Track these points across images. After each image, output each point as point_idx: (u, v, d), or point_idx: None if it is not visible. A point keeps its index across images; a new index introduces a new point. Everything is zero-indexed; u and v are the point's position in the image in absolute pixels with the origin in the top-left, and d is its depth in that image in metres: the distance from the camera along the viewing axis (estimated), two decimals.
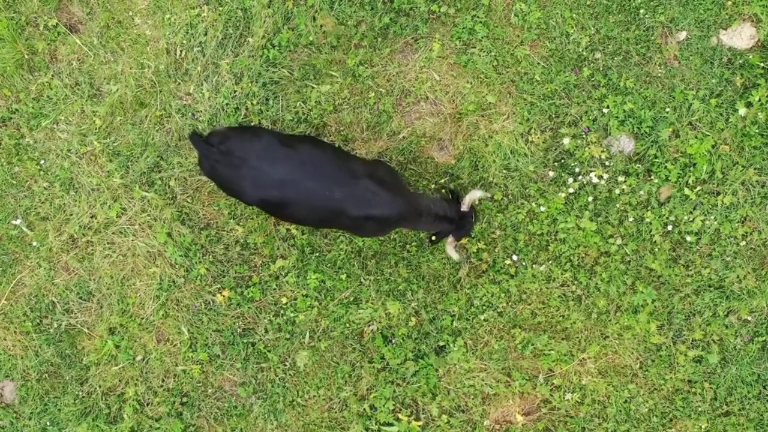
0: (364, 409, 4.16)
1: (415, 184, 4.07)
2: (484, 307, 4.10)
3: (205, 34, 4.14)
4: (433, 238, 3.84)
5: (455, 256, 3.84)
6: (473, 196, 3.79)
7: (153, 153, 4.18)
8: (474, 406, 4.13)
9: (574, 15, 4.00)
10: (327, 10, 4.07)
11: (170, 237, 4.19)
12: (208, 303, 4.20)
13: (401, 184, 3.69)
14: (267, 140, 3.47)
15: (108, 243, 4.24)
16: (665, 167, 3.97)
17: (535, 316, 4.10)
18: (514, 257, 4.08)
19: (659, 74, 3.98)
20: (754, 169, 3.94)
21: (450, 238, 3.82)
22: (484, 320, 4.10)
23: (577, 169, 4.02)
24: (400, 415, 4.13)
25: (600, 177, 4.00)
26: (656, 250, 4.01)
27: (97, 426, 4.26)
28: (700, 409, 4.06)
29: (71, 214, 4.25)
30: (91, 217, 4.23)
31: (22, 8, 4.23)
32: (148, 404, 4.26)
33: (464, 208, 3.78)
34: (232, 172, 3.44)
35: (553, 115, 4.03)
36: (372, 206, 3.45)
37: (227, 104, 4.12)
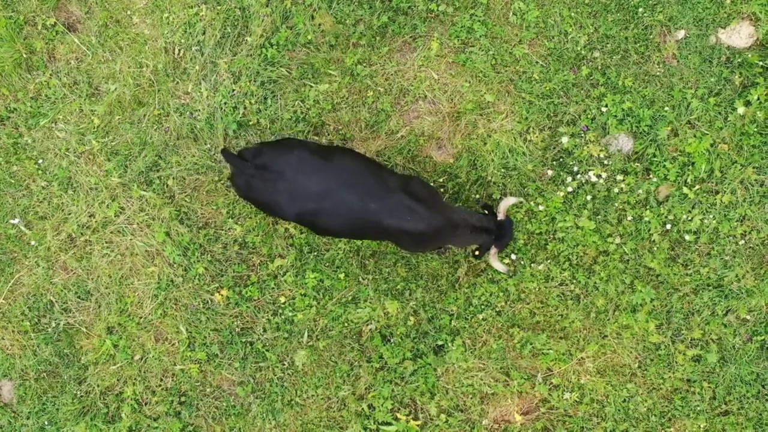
0: (363, 408, 4.15)
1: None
2: (482, 307, 4.09)
3: (204, 33, 4.14)
4: (476, 252, 3.74)
5: (502, 268, 3.75)
6: (507, 203, 3.72)
7: (151, 152, 4.18)
8: (472, 405, 4.13)
9: (572, 14, 4.00)
10: (325, 9, 4.07)
11: (168, 236, 4.19)
12: (207, 302, 4.20)
13: (436, 199, 3.63)
14: (301, 152, 3.45)
15: (106, 242, 4.24)
16: (664, 166, 3.97)
17: (534, 316, 4.09)
18: (513, 256, 4.08)
19: (658, 73, 3.98)
20: (753, 167, 3.93)
21: (493, 250, 3.71)
22: (483, 319, 4.10)
23: (575, 168, 4.02)
24: (398, 415, 4.13)
25: (598, 176, 4.00)
26: (655, 249, 4.01)
27: (96, 425, 4.26)
28: (698, 408, 4.06)
29: (69, 214, 4.24)
30: (90, 216, 4.23)
31: (20, 7, 4.23)
32: (146, 403, 4.26)
33: (501, 216, 3.70)
34: (268, 187, 3.41)
35: (552, 114, 4.03)
36: (407, 221, 3.43)
37: (225, 103, 4.12)
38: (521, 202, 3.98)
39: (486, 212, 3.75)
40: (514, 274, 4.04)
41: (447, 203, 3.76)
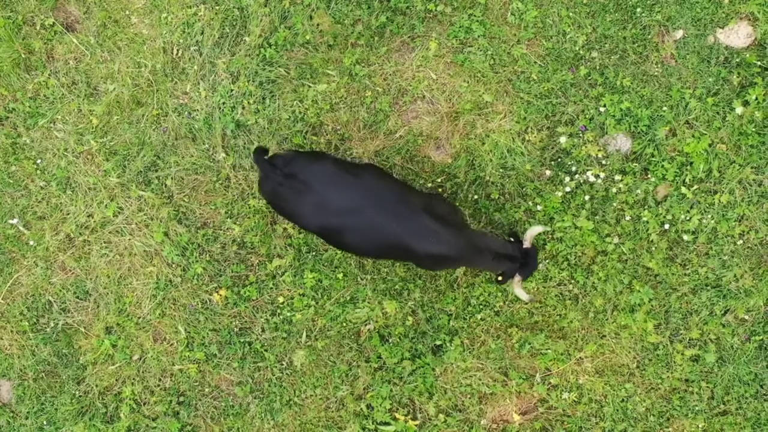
0: (361, 408, 4.15)
1: (413, 183, 4.07)
2: (481, 307, 4.09)
3: (202, 33, 4.14)
4: (500, 278, 3.71)
5: (525, 297, 3.72)
6: (534, 231, 3.70)
7: (150, 152, 4.18)
8: (471, 405, 4.13)
9: (570, 14, 4.00)
10: (324, 9, 4.07)
11: (167, 236, 4.19)
12: (205, 302, 4.20)
13: (461, 221, 3.62)
14: (332, 166, 3.44)
15: (105, 242, 4.24)
16: (662, 166, 3.97)
17: (532, 316, 4.09)
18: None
19: (656, 73, 3.98)
20: (751, 167, 3.93)
21: (517, 278, 3.68)
22: (481, 319, 4.10)
23: (573, 168, 4.02)
24: (397, 415, 4.13)
25: (597, 176, 4.00)
26: (653, 249, 4.01)
27: (94, 425, 4.26)
28: (697, 408, 4.06)
29: (68, 214, 4.25)
30: (88, 216, 4.23)
31: (19, 7, 4.23)
32: (144, 403, 4.26)
33: (527, 244, 3.68)
34: (294, 196, 3.40)
35: (550, 114, 4.03)
36: (431, 243, 3.41)
37: (224, 103, 4.12)
38: (549, 231, 3.97)
39: (512, 239, 3.73)
40: (537, 302, 4.04)
41: (471, 227, 3.73)
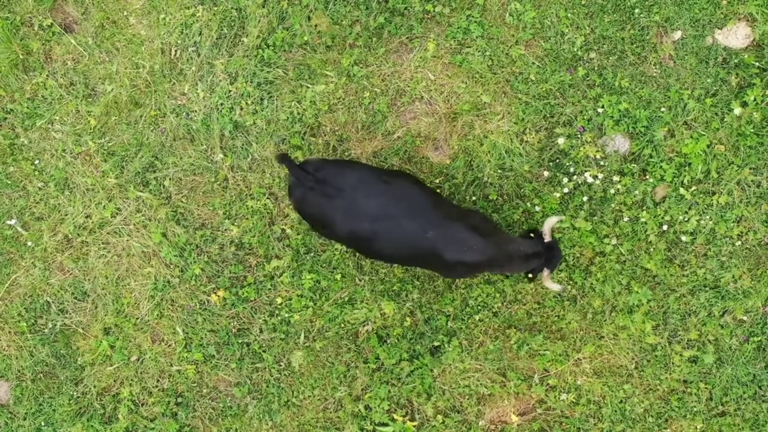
0: (359, 409, 4.15)
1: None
2: (479, 308, 4.09)
3: (200, 34, 4.14)
4: (529, 276, 3.70)
5: (557, 287, 3.71)
6: (550, 223, 3.68)
7: (148, 153, 4.18)
8: (469, 406, 4.13)
9: (569, 14, 4.00)
10: (322, 10, 4.07)
11: (165, 237, 4.19)
12: (203, 303, 4.20)
13: (494, 230, 3.61)
14: (363, 173, 3.44)
15: (103, 243, 4.24)
16: (660, 167, 3.96)
17: (531, 317, 4.09)
18: None
19: (654, 74, 3.97)
20: (750, 168, 3.93)
21: (546, 272, 3.67)
22: (479, 320, 4.10)
23: (572, 169, 4.01)
24: (395, 416, 4.13)
25: (595, 177, 4.00)
26: (651, 250, 4.01)
27: (92, 426, 4.26)
28: (695, 409, 4.05)
29: (66, 214, 4.24)
30: (86, 217, 4.23)
31: (17, 8, 4.23)
32: (142, 404, 4.26)
33: (547, 238, 3.66)
34: (324, 202, 3.39)
35: (548, 115, 4.02)
36: (465, 251, 3.41)
37: (222, 104, 4.12)
38: (563, 220, 3.97)
39: (531, 236, 3.73)
40: (568, 292, 4.04)
41: (503, 233, 3.74)
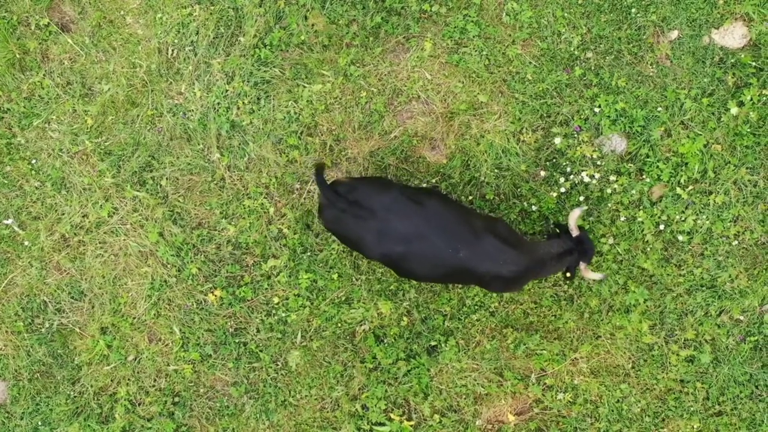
0: (356, 408, 4.15)
1: (409, 183, 4.07)
2: (476, 307, 4.09)
3: (197, 34, 4.14)
4: (567, 275, 3.70)
5: (598, 276, 3.70)
6: (575, 216, 3.67)
7: (145, 152, 4.18)
8: (466, 405, 4.13)
9: (565, 14, 4.00)
10: (318, 10, 4.07)
11: (162, 236, 4.19)
12: (200, 302, 4.20)
13: (520, 238, 3.62)
14: (395, 194, 3.44)
15: (100, 242, 4.24)
16: (657, 166, 3.97)
17: (528, 316, 4.09)
18: None
19: (651, 73, 3.97)
20: (746, 168, 3.93)
21: (582, 265, 3.66)
22: (476, 320, 4.10)
23: (568, 169, 4.01)
24: (392, 415, 4.13)
25: (592, 176, 4.00)
26: (648, 249, 4.01)
27: (89, 426, 4.26)
28: (692, 408, 4.05)
29: (63, 214, 4.24)
30: (83, 216, 4.23)
31: (13, 7, 4.23)
32: (139, 404, 4.26)
33: (575, 232, 3.66)
34: (357, 224, 3.40)
35: (545, 115, 4.02)
36: (499, 265, 3.42)
37: (219, 103, 4.12)
38: (586, 210, 3.95)
39: (558, 231, 3.73)
40: (607, 279, 4.02)
41: (530, 241, 3.74)
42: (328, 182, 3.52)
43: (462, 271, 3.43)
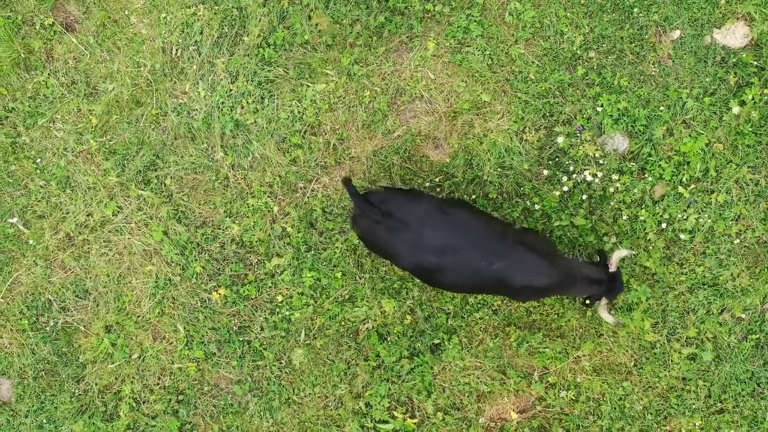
0: (360, 406, 4.17)
1: (412, 182, 4.09)
2: (479, 305, 4.11)
3: (201, 33, 4.16)
4: (587, 302, 3.71)
5: (611, 319, 3.71)
6: (619, 255, 3.68)
7: (149, 151, 4.20)
8: (469, 403, 4.14)
9: (568, 14, 4.02)
10: (322, 9, 4.09)
11: (166, 235, 4.21)
12: (204, 301, 4.22)
13: (554, 251, 3.64)
14: (427, 205, 3.47)
15: (104, 241, 4.25)
16: (659, 165, 3.98)
17: (530, 314, 4.11)
18: None
19: (653, 73, 3.99)
20: (748, 167, 3.95)
21: (604, 301, 3.68)
22: (479, 318, 4.11)
23: (571, 168, 4.03)
24: (395, 413, 4.14)
25: (594, 175, 4.01)
26: (650, 248, 4.02)
27: (93, 424, 4.27)
28: (694, 406, 4.07)
29: (67, 213, 4.26)
30: (88, 215, 4.25)
31: (18, 7, 4.25)
32: (144, 402, 4.27)
33: (612, 268, 3.66)
34: (389, 235, 3.42)
35: (548, 114, 4.04)
36: (530, 276, 3.44)
37: (223, 103, 4.14)
38: (633, 254, 3.97)
39: (598, 259, 3.74)
40: (623, 326, 4.02)
41: (564, 255, 3.74)
42: (363, 193, 3.55)
43: (494, 280, 3.44)
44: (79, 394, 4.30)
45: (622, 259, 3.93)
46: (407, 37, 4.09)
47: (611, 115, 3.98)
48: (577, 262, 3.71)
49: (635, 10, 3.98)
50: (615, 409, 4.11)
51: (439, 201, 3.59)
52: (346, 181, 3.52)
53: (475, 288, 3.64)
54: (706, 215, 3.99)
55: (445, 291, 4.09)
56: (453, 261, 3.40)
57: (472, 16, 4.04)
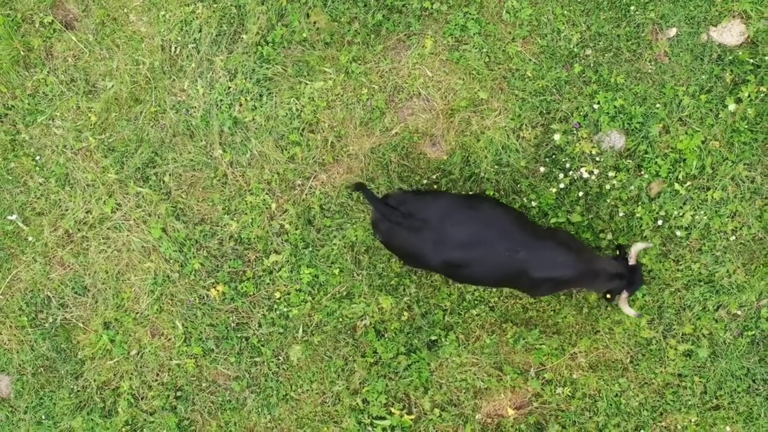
0: (357, 403, 4.18)
1: (409, 180, 4.10)
2: (475, 302, 4.12)
3: (200, 31, 4.18)
4: (608, 296, 3.71)
5: (632, 312, 3.70)
6: (637, 248, 3.70)
7: (148, 149, 4.22)
8: (466, 399, 4.16)
9: (565, 12, 4.03)
10: (320, 7, 4.11)
11: (165, 232, 4.22)
12: (203, 298, 4.23)
13: (582, 246, 3.66)
14: (447, 202, 3.49)
15: (103, 238, 4.27)
16: (655, 163, 4.00)
17: (527, 311, 4.12)
18: None
19: (649, 70, 4.01)
20: (744, 164, 3.96)
21: (624, 294, 3.67)
22: (476, 315, 4.13)
23: (568, 165, 4.05)
24: (392, 409, 4.16)
25: (591, 172, 4.03)
26: None
27: (92, 420, 4.29)
28: (690, 402, 4.09)
29: (66, 210, 4.28)
30: (86, 212, 4.27)
31: (18, 5, 4.26)
32: (142, 398, 4.29)
33: (632, 261, 3.67)
34: (412, 236, 3.43)
35: (545, 111, 4.06)
36: (554, 268, 3.46)
37: (221, 100, 4.16)
38: (650, 247, 3.97)
39: (618, 253, 3.75)
40: (642, 315, 4.04)
41: (590, 250, 3.76)
42: (382, 197, 3.55)
43: (518, 274, 3.46)
44: (78, 391, 4.32)
45: (644, 253, 3.96)
46: (405, 34, 4.11)
47: (608, 113, 4.00)
48: (601, 257, 3.72)
49: (632, 7, 4.00)
50: (611, 405, 4.12)
51: (464, 197, 3.61)
52: (361, 187, 3.49)
53: (500, 280, 3.65)
54: (702, 212, 4.00)
55: (442, 288, 4.11)
56: (480, 254, 3.42)
57: (470, 13, 4.06)
